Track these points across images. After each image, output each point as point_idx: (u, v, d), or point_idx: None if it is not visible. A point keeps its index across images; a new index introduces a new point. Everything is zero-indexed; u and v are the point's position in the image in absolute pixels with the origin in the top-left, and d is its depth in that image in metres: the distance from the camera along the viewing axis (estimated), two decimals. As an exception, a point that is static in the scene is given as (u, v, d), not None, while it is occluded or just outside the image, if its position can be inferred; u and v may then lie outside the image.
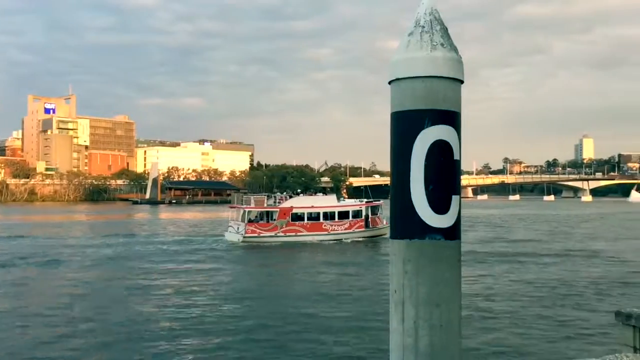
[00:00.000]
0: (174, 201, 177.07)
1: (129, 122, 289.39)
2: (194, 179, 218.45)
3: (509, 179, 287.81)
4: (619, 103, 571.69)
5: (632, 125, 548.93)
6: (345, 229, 51.05)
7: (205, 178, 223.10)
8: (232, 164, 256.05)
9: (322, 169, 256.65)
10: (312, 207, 51.47)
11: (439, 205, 2.95)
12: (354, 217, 51.95)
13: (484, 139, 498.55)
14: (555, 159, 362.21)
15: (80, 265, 35.48)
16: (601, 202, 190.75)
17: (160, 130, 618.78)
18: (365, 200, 58.93)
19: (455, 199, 2.99)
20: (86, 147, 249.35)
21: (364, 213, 52.46)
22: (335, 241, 49.26)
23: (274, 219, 49.89)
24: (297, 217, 50.35)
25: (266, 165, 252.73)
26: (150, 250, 43.20)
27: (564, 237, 55.58)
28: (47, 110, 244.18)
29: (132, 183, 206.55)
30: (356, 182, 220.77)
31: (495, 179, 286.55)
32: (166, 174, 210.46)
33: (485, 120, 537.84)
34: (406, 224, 3.00)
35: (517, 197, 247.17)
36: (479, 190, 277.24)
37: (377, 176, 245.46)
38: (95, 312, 21.98)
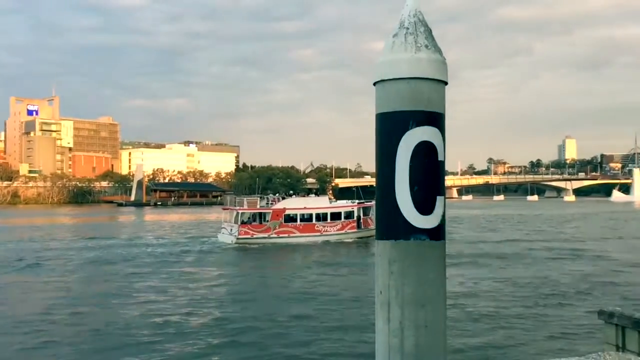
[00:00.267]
0: (159, 203, 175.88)
1: (113, 124, 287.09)
2: (179, 180, 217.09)
3: (493, 179, 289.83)
4: (601, 104, 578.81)
5: (614, 126, 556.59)
6: (338, 230, 51.30)
7: (191, 180, 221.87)
8: (217, 165, 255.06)
9: (307, 170, 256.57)
10: (305, 208, 51.76)
11: (424, 206, 2.96)
12: (346, 218, 52.26)
13: (468, 140, 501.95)
14: (538, 160, 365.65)
15: (64, 269, 35.08)
16: (584, 202, 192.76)
17: (145, 131, 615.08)
18: (357, 201, 59.16)
19: (439, 199, 3.01)
20: (70, 149, 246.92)
21: (355, 214, 52.70)
22: (327, 242, 49.42)
23: (267, 221, 50.07)
24: (290, 219, 50.65)
25: (252, 167, 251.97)
26: (140, 253, 42.67)
27: (547, 237, 56.05)
28: (29, 112, 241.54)
29: (117, 185, 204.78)
30: (342, 183, 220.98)
31: (479, 180, 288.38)
32: (151, 176, 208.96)
33: (469, 121, 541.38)
34: (391, 225, 3.02)
35: (501, 197, 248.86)
36: (463, 190, 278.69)
37: (368, 177, 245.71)
38: (77, 319, 21.59)
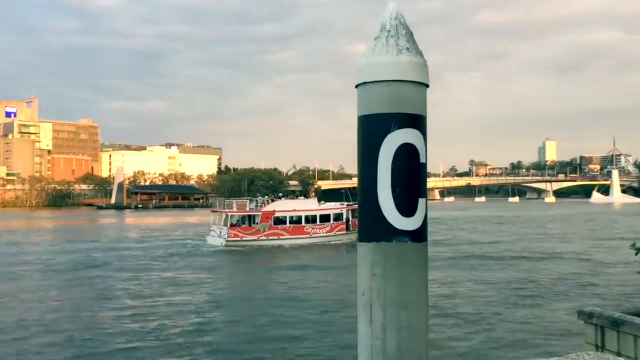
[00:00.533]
0: (140, 206, 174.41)
1: (93, 126, 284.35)
2: (160, 183, 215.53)
3: (474, 181, 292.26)
4: (580, 106, 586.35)
5: (593, 128, 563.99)
6: (327, 232, 51.51)
7: (172, 182, 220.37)
8: (199, 167, 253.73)
9: (290, 172, 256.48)
10: (294, 210, 51.94)
11: (406, 207, 2.97)
12: (335, 220, 52.43)
13: (450, 142, 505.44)
14: (519, 161, 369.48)
15: (39, 275, 34.45)
16: (564, 203, 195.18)
17: (126, 134, 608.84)
18: (346, 203, 59.36)
19: (421, 201, 3.03)
20: (49, 151, 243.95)
21: (344, 216, 52.84)
22: (316, 244, 49.53)
23: (257, 223, 50.18)
24: (279, 221, 50.78)
25: (234, 169, 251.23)
26: (126, 257, 42.17)
27: (528, 238, 56.62)
28: (7, 114, 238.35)
29: (97, 188, 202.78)
30: (324, 185, 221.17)
31: (461, 181, 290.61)
32: (132, 179, 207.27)
33: (451, 123, 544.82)
34: (373, 227, 3.02)
35: (483, 199, 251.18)
36: (445, 192, 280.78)
37: (351, 179, 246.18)
38: (50, 327, 21.16)
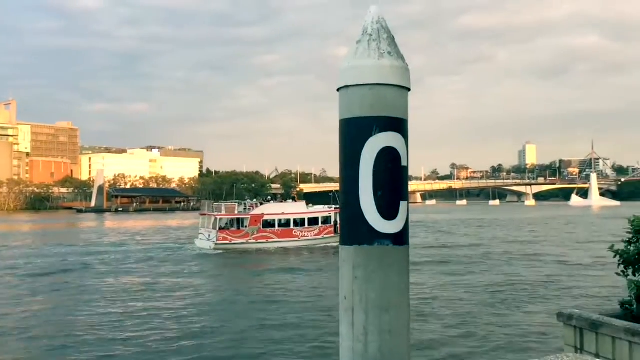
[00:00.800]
0: (120, 209, 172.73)
1: (72, 129, 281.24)
2: (141, 186, 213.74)
3: (456, 184, 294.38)
4: (560, 110, 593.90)
5: (572, 132, 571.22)
6: (315, 235, 51.64)
7: (153, 185, 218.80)
8: (181, 170, 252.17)
9: (272, 176, 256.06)
10: (283, 213, 52.08)
11: (388, 211, 2.98)
12: (323, 223, 52.53)
13: (432, 146, 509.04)
14: (500, 165, 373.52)
15: (12, 280, 34.02)
16: (544, 206, 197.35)
17: (106, 136, 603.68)
18: (334, 206, 59.46)
19: (403, 204, 3.04)
20: (27, 154, 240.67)
21: (333, 219, 52.96)
22: (305, 247, 49.60)
23: (245, 226, 50.23)
24: (268, 224, 50.88)
25: (216, 172, 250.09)
26: (111, 261, 41.61)
27: (509, 240, 57.12)
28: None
29: (77, 191, 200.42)
30: (307, 188, 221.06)
31: (443, 185, 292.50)
32: (112, 182, 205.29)
33: (433, 127, 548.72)
34: (355, 230, 3.03)
35: (464, 202, 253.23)
36: (427, 195, 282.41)
37: (333, 182, 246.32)
38: (27, 332, 20.78)
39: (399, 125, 3.03)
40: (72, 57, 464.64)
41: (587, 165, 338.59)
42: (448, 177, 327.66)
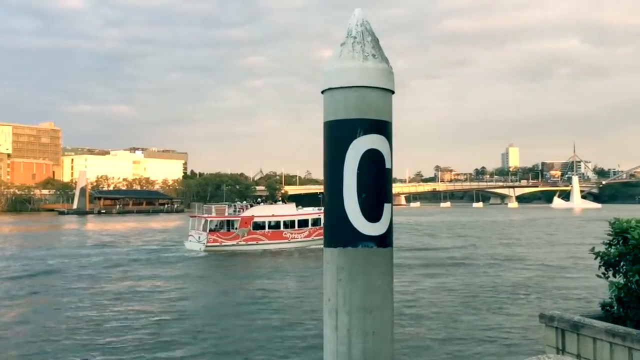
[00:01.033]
0: (103, 211, 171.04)
1: (55, 130, 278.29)
2: (124, 188, 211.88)
3: (440, 186, 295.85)
4: (542, 113, 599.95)
5: (554, 135, 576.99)
6: (305, 237, 51.69)
7: (137, 187, 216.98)
8: (164, 172, 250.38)
9: (257, 177, 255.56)
10: (273, 215, 52.20)
11: (372, 213, 2.99)
12: (313, 225, 52.58)
13: (416, 148, 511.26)
14: (483, 167, 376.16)
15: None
16: (526, 209, 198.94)
17: (89, 138, 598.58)
18: (324, 208, 59.35)
19: (387, 207, 3.04)
20: (8, 155, 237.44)
21: (322, 221, 52.77)
22: (295, 249, 49.59)
23: (235, 228, 50.29)
24: (258, 226, 51.00)
25: (200, 174, 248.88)
26: (100, 262, 41.14)
27: (491, 243, 57.51)
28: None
29: (59, 193, 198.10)
30: (291, 190, 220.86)
31: (427, 187, 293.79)
32: (95, 183, 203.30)
33: (417, 129, 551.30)
34: (339, 232, 3.03)
35: (448, 204, 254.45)
36: (411, 197, 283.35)
37: (318, 184, 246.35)
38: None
39: (383, 128, 3.04)
40: (55, 58, 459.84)
41: (569, 168, 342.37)
42: (432, 180, 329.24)
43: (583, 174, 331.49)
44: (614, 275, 5.94)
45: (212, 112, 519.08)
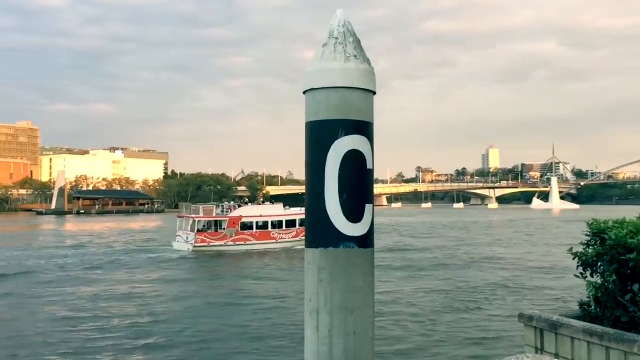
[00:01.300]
0: (82, 211, 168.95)
1: (32, 129, 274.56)
2: (104, 188, 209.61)
3: (421, 187, 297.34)
4: (521, 115, 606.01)
5: (534, 136, 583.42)
6: (292, 237, 51.74)
7: (117, 187, 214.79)
8: (145, 172, 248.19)
9: (238, 178, 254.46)
10: (261, 216, 52.30)
11: (353, 213, 2.99)
12: (300, 225, 52.61)
13: (398, 149, 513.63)
14: (464, 168, 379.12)
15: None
16: (506, 209, 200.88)
17: (68, 137, 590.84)
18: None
19: (368, 207, 3.05)
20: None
21: None
22: (283, 249, 49.58)
23: (223, 228, 50.33)
24: (246, 226, 51.08)
25: (181, 174, 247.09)
26: (80, 263, 40.55)
27: (471, 242, 57.94)
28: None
29: (37, 193, 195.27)
30: (273, 190, 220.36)
31: (408, 187, 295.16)
32: (74, 183, 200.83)
33: (399, 129, 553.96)
34: (321, 233, 3.03)
35: (429, 204, 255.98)
36: (392, 198, 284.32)
37: (299, 185, 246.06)
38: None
39: (364, 128, 3.04)
40: (33, 56, 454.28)
41: (548, 169, 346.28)
42: (413, 180, 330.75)
43: (562, 175, 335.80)
44: (592, 275, 6.02)
45: (193, 112, 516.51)
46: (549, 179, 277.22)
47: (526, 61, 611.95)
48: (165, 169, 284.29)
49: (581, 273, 6.10)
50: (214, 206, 54.69)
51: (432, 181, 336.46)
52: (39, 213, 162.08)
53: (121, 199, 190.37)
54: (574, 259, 6.18)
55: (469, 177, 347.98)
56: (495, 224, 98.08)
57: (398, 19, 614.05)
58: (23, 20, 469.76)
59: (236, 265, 41.08)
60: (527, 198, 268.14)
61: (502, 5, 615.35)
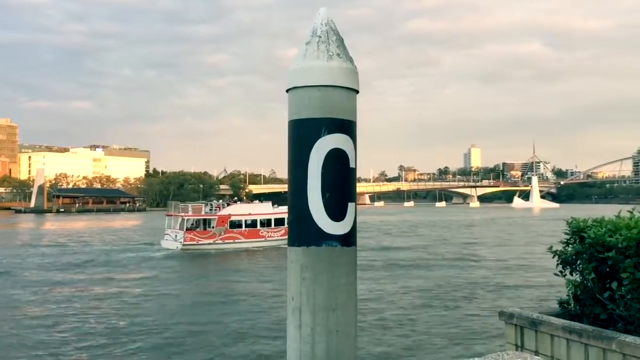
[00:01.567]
0: (62, 210, 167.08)
1: (11, 126, 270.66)
2: (84, 186, 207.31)
3: (404, 186, 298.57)
4: (503, 115, 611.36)
5: (515, 136, 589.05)
6: (281, 235, 51.76)
7: (97, 185, 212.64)
8: (126, 170, 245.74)
9: (221, 176, 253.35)
10: (250, 214, 52.44)
11: (336, 212, 3.00)
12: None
13: (381, 148, 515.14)
14: (446, 167, 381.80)
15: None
16: (487, 208, 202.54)
17: (48, 134, 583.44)
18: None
19: (351, 206, 3.06)
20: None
21: None
22: (272, 247, 49.46)
23: (212, 227, 50.30)
24: (235, 225, 51.15)
25: (163, 172, 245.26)
26: (63, 263, 40.09)
27: (452, 242, 58.32)
28: None
29: (16, 191, 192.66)
30: (256, 189, 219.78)
31: (391, 186, 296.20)
32: (53, 181, 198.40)
33: (382, 129, 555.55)
34: (303, 231, 3.03)
35: (411, 203, 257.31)
36: (375, 197, 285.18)
37: (283, 183, 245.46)
38: None
39: (347, 127, 3.04)
40: (11, 52, 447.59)
41: (529, 168, 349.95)
42: (396, 179, 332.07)
43: (542, 174, 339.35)
44: (571, 274, 6.09)
45: (176, 110, 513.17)
46: (529, 179, 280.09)
47: (508, 61, 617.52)
48: (147, 167, 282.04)
49: (561, 271, 6.16)
50: (203, 205, 54.63)
51: (414, 180, 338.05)
52: (18, 211, 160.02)
53: (102, 198, 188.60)
54: (553, 257, 6.24)
55: (451, 176, 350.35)
56: (476, 223, 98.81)
57: (382, 18, 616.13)
58: (4, 16, 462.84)
59: (225, 264, 40.94)
60: (508, 197, 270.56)
61: (485, 5, 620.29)
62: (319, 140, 2.96)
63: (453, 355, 16.61)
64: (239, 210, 53.09)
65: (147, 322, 21.47)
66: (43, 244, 56.08)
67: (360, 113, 3.17)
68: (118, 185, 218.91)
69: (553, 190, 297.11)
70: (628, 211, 6.07)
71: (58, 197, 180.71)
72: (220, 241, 49.89)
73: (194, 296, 27.62)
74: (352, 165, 3.06)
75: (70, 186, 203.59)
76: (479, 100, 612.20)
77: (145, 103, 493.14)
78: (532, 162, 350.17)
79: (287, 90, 3.10)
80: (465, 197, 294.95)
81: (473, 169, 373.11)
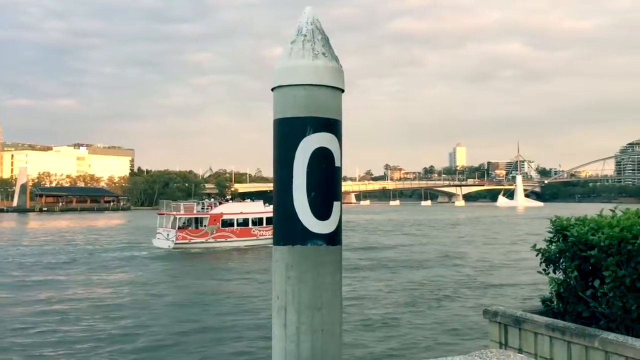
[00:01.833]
0: (45, 209, 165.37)
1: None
2: (68, 185, 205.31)
3: (389, 185, 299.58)
4: (487, 114, 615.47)
5: (500, 135, 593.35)
6: (273, 234, 51.49)
7: (81, 184, 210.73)
8: (110, 169, 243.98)
9: (206, 175, 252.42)
10: (241, 213, 52.63)
11: (321, 211, 3.00)
12: None
13: (366, 146, 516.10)
14: (432, 166, 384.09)
15: None
16: (472, 207, 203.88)
17: (30, 133, 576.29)
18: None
19: (336, 205, 3.06)
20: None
21: None
22: (263, 246, 49.36)
23: (204, 225, 50.37)
24: (227, 223, 51.33)
25: (147, 171, 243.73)
26: (53, 263, 39.64)
27: (436, 241, 58.61)
28: None
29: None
30: (242, 188, 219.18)
31: (376, 185, 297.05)
32: (36, 180, 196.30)
33: (367, 128, 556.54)
34: (289, 230, 3.03)
35: (397, 202, 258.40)
36: (361, 196, 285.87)
37: (269, 182, 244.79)
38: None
39: (332, 126, 3.05)
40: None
41: (513, 167, 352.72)
42: (382, 178, 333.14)
43: (527, 173, 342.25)
44: (554, 272, 6.13)
45: (161, 109, 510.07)
46: (514, 177, 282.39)
47: (491, 61, 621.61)
48: (132, 166, 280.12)
49: (544, 269, 6.20)
50: (195, 203, 54.72)
51: (400, 179, 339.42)
52: (0, 211, 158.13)
53: (86, 197, 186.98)
54: (537, 255, 6.29)
55: (436, 175, 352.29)
56: (461, 221, 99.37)
57: (367, 18, 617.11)
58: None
59: (217, 262, 40.84)
60: (493, 196, 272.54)
61: (469, 5, 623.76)
62: (304, 139, 2.96)
63: (437, 354, 16.69)
64: (231, 209, 53.26)
65: (132, 324, 21.34)
66: (24, 244, 55.42)
67: (345, 112, 3.17)
68: (102, 184, 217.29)
69: (537, 189, 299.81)
70: (610, 210, 6.14)
71: (41, 196, 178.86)
72: (212, 240, 50.00)
73: (183, 296, 27.50)
74: (337, 164, 3.06)
75: (53, 185, 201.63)
76: (465, 100, 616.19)
77: (129, 102, 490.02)
78: (517, 161, 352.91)
79: (272, 89, 3.10)
80: (450, 196, 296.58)
81: (458, 168, 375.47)
